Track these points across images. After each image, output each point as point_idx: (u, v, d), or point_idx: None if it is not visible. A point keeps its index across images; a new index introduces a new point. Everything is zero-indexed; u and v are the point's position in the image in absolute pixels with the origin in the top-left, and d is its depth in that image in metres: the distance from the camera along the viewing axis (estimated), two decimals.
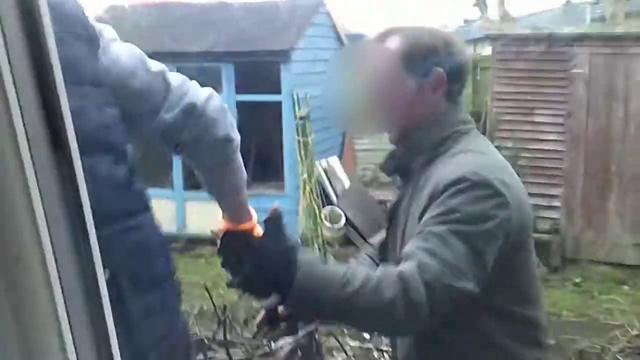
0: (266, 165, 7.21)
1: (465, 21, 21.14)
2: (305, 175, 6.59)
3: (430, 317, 1.21)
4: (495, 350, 1.39)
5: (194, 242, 7.06)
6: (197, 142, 1.32)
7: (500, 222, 1.26)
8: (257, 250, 1.25)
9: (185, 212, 7.19)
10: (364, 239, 6.62)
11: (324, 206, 6.86)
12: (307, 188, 6.55)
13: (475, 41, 15.53)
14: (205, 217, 7.03)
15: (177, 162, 7.06)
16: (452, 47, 1.39)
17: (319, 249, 5.90)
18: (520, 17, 16.76)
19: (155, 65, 1.32)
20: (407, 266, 1.22)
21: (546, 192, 6.77)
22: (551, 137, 7.04)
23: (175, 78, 1.34)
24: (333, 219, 6.96)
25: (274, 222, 1.27)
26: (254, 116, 6.69)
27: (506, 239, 1.28)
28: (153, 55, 1.35)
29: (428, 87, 1.38)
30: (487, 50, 9.04)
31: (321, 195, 6.83)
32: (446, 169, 1.32)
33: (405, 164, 1.44)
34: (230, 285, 1.28)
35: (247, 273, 1.23)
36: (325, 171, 7.27)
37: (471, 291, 1.22)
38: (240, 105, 6.71)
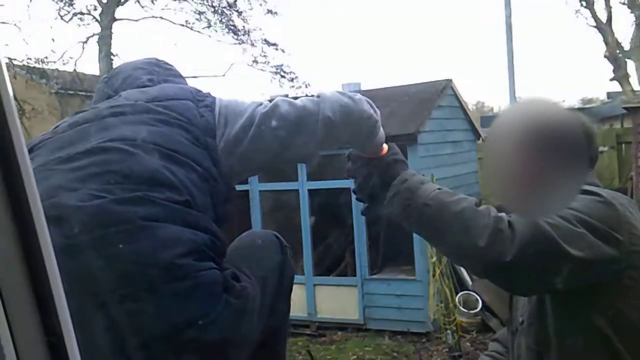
0: (397, 249, 7.10)
1: (609, 95, 20.29)
2: (435, 258, 6.40)
3: (517, 259, 1.22)
4: None
5: (324, 327, 7.00)
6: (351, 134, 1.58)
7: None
8: (373, 160, 1.56)
9: (315, 297, 7.18)
10: (504, 324, 6.24)
11: (456, 291, 6.58)
12: (437, 271, 6.34)
13: (622, 116, 14.82)
14: (334, 302, 7.07)
15: (306, 248, 7.14)
16: None
17: (453, 335, 5.62)
18: None
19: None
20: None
21: None
22: None
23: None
24: (468, 304, 6.65)
25: (393, 148, 1.59)
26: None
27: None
28: None
29: None
30: None
31: (453, 279, 6.58)
32: None
33: None
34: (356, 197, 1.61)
35: (363, 177, 1.55)
36: None
37: (568, 253, 1.24)
38: None
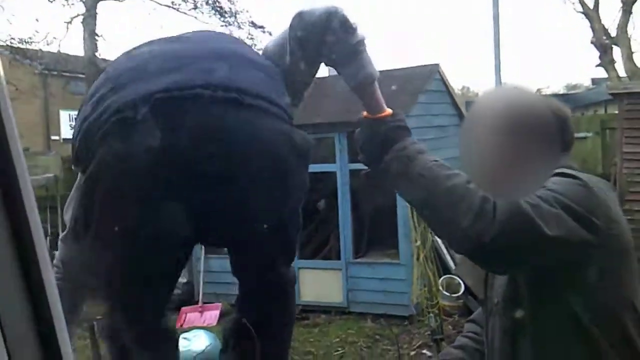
0: (381, 233, 7.12)
1: (594, 81, 20.38)
2: (419, 243, 6.43)
3: (496, 238, 1.25)
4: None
5: (308, 311, 7.02)
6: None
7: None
8: (377, 122, 1.56)
9: (299, 281, 7.19)
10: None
11: (440, 274, 6.62)
12: (421, 255, 6.38)
13: (606, 102, 14.89)
14: (318, 286, 7.09)
15: None
16: None
17: (436, 319, 5.65)
18: None
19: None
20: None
21: None
22: None
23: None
24: (451, 287, 6.69)
25: (399, 114, 1.60)
26: (368, 184, 6.64)
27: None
28: None
29: None
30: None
31: (437, 263, 6.61)
32: None
33: None
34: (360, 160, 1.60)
35: (365, 139, 1.54)
36: None
37: (546, 234, 1.26)
38: (353, 174, 6.73)
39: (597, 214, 1.35)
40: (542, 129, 1.48)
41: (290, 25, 1.61)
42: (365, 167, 1.64)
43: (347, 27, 1.58)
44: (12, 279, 0.53)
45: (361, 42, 1.59)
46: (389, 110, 1.61)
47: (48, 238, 8.20)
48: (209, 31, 1.61)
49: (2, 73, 0.57)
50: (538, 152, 1.47)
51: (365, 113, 1.63)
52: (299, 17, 1.60)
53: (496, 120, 1.49)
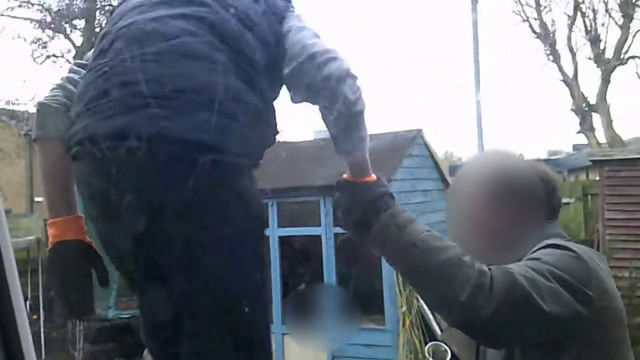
0: (367, 297, 7.05)
1: (575, 147, 20.78)
2: (405, 308, 6.36)
3: (494, 314, 1.22)
4: None
5: None
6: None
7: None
8: (362, 187, 1.49)
9: (284, 347, 7.06)
10: None
11: (426, 341, 6.53)
12: (407, 321, 6.30)
13: (587, 168, 15.14)
14: (303, 351, 6.95)
15: (275, 297, 7.05)
16: None
17: None
18: (630, 141, 16.27)
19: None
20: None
21: None
22: None
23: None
24: (437, 354, 6.58)
25: (382, 179, 1.53)
26: (353, 249, 6.62)
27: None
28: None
29: None
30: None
31: (422, 329, 6.53)
32: None
33: None
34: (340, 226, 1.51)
35: (349, 204, 1.47)
36: None
37: (543, 310, 1.24)
38: (337, 238, 6.71)
39: (591, 287, 1.33)
40: (529, 194, 1.47)
41: (301, 53, 1.54)
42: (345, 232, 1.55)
43: (357, 92, 1.52)
44: None
45: (363, 110, 1.53)
46: (373, 176, 1.54)
47: (28, 302, 8.08)
48: (184, 32, 1.48)
49: None
50: (525, 217, 1.46)
51: (346, 176, 1.54)
52: (312, 58, 1.53)
53: (482, 185, 1.47)
